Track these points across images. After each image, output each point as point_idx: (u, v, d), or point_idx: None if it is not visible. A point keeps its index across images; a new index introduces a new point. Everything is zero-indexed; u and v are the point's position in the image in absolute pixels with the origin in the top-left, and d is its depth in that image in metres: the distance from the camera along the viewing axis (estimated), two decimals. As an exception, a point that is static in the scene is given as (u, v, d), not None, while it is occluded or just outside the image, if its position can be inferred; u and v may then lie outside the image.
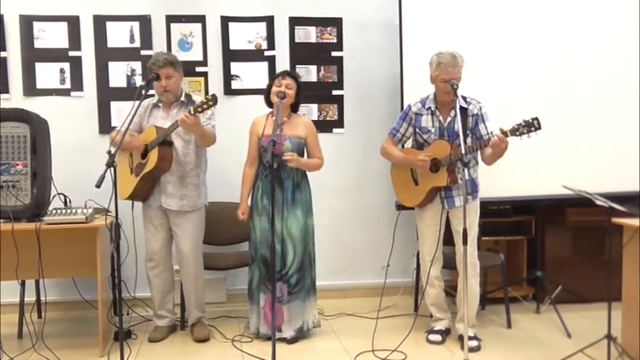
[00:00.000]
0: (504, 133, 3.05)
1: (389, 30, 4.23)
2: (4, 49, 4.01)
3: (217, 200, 3.98)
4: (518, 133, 3.02)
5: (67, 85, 4.09)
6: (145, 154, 3.40)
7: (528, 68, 4.00)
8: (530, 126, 2.98)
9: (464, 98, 3.34)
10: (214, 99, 3.14)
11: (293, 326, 3.43)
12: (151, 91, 3.65)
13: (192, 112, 3.15)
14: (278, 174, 3.37)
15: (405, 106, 3.48)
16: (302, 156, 3.47)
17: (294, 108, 3.53)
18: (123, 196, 3.44)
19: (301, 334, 3.46)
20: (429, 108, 3.37)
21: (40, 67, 4.05)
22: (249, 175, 3.51)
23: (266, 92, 3.50)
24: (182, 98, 3.48)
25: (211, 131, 3.42)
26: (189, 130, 3.29)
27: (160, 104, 3.50)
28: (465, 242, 2.98)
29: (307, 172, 3.51)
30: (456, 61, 3.21)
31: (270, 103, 3.48)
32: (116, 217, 2.82)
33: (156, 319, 3.61)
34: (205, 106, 3.14)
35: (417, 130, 3.40)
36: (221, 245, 4.04)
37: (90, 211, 3.32)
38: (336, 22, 4.31)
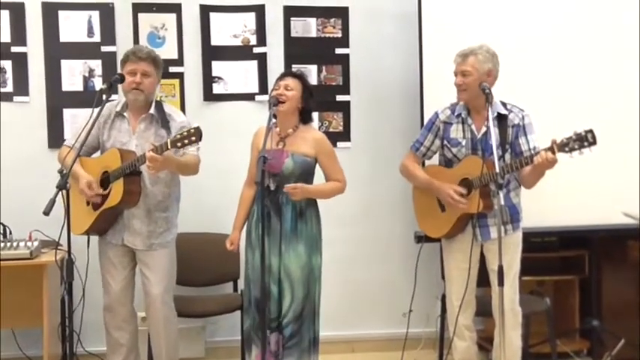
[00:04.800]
0: (552, 149, 3.05)
1: (406, 21, 4.25)
2: None
3: (194, 231, 3.96)
4: (567, 148, 3.01)
5: (9, 88, 4.09)
6: (105, 183, 3.36)
7: (579, 69, 4.00)
8: (583, 140, 2.98)
9: (503, 104, 3.35)
10: (198, 134, 3.07)
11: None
12: (114, 97, 3.66)
13: (168, 146, 3.10)
14: (275, 198, 3.34)
15: (431, 114, 3.48)
16: (309, 179, 3.41)
17: (305, 117, 3.46)
18: (77, 231, 3.40)
19: None
20: (459, 115, 3.38)
21: (-25, 65, 4.06)
22: (246, 198, 3.47)
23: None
24: (152, 110, 3.44)
25: (192, 159, 3.37)
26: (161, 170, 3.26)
27: (125, 114, 3.47)
28: (500, 283, 2.96)
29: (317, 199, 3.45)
30: (467, 52, 3.26)
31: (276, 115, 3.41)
32: (69, 252, 2.81)
33: (114, 380, 3.57)
34: (186, 142, 3.09)
35: (446, 142, 3.41)
36: (198, 286, 4.02)
37: (36, 244, 3.31)
38: (341, 13, 4.33)
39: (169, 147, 3.12)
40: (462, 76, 3.28)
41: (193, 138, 3.09)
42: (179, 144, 3.10)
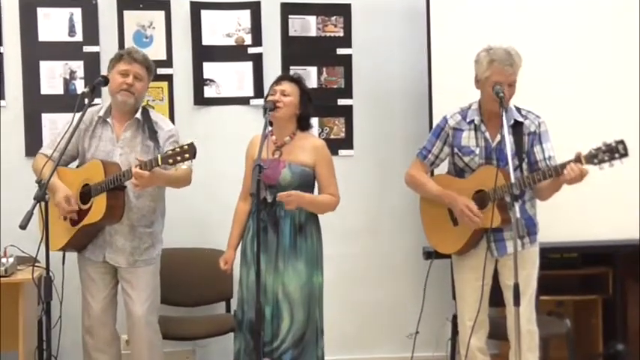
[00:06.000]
0: (580, 162, 3.03)
1: (413, 19, 4.27)
2: None
3: (183, 246, 3.95)
4: (596, 160, 3.00)
5: (-16, 91, 4.10)
6: (86, 197, 3.35)
7: (604, 71, 4.01)
8: (614, 152, 2.97)
9: (518, 110, 3.35)
10: (192, 151, 3.05)
11: None
12: (96, 101, 3.66)
13: (158, 162, 3.07)
14: (272, 211, 3.33)
15: (440, 119, 3.48)
16: (309, 190, 3.40)
17: (303, 124, 3.46)
18: (53, 247, 3.35)
19: None
20: (472, 121, 3.37)
21: (-53, 67, 4.06)
22: (241, 213, 3.47)
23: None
24: (137, 115, 3.44)
25: (183, 171, 3.33)
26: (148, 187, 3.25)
27: (109, 120, 3.46)
28: (516, 302, 2.95)
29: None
30: (512, 59, 3.22)
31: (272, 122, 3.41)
32: (47, 269, 2.80)
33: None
34: (179, 159, 3.07)
35: (456, 150, 3.40)
36: (187, 306, 4.02)
37: (11, 260, 3.29)
38: (343, 10, 4.35)
39: (160, 163, 3.09)
40: (509, 87, 3.23)
41: (187, 155, 3.06)
42: (171, 160, 3.07)
